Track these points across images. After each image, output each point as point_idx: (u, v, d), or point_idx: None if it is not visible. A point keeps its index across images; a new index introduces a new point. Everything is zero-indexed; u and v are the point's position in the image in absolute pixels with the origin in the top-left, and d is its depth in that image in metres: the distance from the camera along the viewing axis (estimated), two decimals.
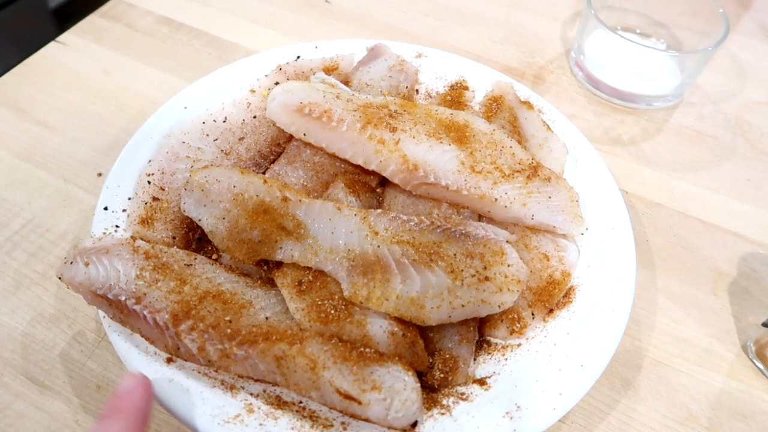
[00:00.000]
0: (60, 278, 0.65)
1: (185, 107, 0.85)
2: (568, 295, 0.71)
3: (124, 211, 0.74)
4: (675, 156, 0.96)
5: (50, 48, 1.07)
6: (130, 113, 0.97)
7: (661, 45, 1.09)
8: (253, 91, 0.87)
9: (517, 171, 0.75)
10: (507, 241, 0.69)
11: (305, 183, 0.78)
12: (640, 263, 0.81)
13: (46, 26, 2.02)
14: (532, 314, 0.69)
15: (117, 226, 0.72)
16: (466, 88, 0.92)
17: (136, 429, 0.49)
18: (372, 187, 0.80)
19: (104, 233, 0.71)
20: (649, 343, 0.74)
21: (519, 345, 0.67)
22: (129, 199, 0.75)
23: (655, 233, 0.86)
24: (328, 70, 0.90)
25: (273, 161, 0.82)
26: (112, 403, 0.51)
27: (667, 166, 0.95)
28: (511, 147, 0.77)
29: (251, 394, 0.61)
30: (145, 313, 0.62)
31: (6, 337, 0.72)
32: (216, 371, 0.63)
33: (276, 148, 0.83)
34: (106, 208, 0.73)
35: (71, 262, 0.65)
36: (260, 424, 0.58)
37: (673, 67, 1.00)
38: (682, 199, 0.90)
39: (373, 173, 0.78)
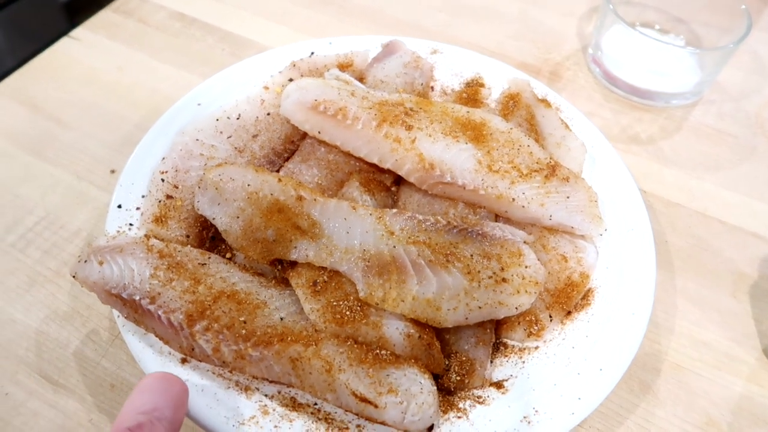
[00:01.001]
0: (74, 277, 0.64)
1: (199, 104, 0.85)
2: (586, 297, 0.70)
3: (137, 209, 0.73)
4: (694, 155, 0.95)
5: (63, 43, 1.07)
6: (143, 109, 0.97)
7: (681, 41, 1.07)
8: (266, 88, 0.86)
9: (535, 170, 0.74)
10: (524, 242, 0.68)
11: (320, 181, 0.77)
12: (659, 264, 0.79)
13: (57, 20, 2.02)
14: (550, 316, 0.68)
15: (131, 224, 0.72)
16: (482, 85, 0.91)
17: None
18: (387, 185, 0.79)
19: (118, 231, 0.71)
20: (668, 346, 0.73)
21: (536, 348, 0.67)
22: (143, 196, 0.74)
23: (674, 234, 0.84)
24: (343, 67, 0.89)
25: (287, 159, 0.81)
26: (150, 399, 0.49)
27: (686, 166, 0.93)
28: (528, 146, 0.76)
29: (266, 396, 0.61)
30: (160, 313, 0.61)
31: (20, 334, 0.72)
32: (231, 372, 0.62)
33: (290, 145, 0.82)
34: (119, 206, 0.73)
35: (85, 261, 0.65)
36: (275, 426, 0.58)
37: (693, 64, 0.98)
38: (701, 199, 0.89)
39: (388, 172, 0.77)
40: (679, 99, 1.01)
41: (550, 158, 0.75)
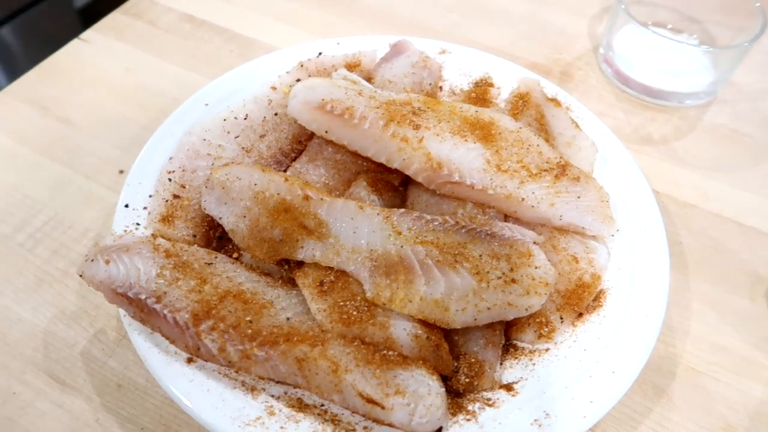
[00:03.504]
0: (81, 276, 0.64)
1: (206, 104, 0.84)
2: (598, 298, 0.68)
3: (144, 208, 0.73)
4: (708, 155, 0.93)
5: (73, 45, 1.07)
6: (151, 110, 0.97)
7: (694, 41, 1.05)
8: (274, 88, 0.85)
9: (545, 170, 0.73)
10: (534, 243, 0.67)
11: (327, 181, 0.77)
12: (674, 266, 0.78)
13: (72, 26, 2.05)
14: (561, 318, 0.67)
15: (138, 224, 0.72)
16: (491, 85, 0.90)
17: None
18: (395, 185, 0.78)
19: (125, 231, 0.71)
20: (683, 349, 0.71)
21: (547, 350, 0.65)
22: (150, 196, 0.74)
23: (689, 235, 0.82)
24: (351, 67, 0.89)
25: (294, 159, 0.80)
26: None
27: (700, 166, 0.91)
28: (538, 145, 0.75)
29: (272, 396, 0.60)
30: (166, 312, 0.61)
31: (28, 334, 0.72)
32: (236, 372, 0.61)
33: (297, 145, 0.82)
34: (127, 206, 0.73)
35: (92, 260, 0.65)
36: (281, 427, 0.57)
37: (707, 64, 0.97)
38: (716, 200, 0.87)
39: (396, 172, 0.76)
40: (693, 99, 1.00)
41: (560, 158, 0.74)
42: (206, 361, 0.61)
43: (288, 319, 0.63)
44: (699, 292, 0.77)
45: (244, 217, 0.68)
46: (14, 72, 1.90)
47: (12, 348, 0.71)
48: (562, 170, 0.73)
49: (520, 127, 0.76)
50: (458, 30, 1.13)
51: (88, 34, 1.09)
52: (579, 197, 0.72)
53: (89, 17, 2.05)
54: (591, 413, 0.58)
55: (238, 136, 0.80)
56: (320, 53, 0.91)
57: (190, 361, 0.62)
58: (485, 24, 1.14)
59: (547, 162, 0.73)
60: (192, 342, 0.61)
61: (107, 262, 0.64)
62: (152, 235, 0.70)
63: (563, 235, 0.72)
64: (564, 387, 0.61)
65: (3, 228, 0.82)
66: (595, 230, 0.72)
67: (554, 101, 0.85)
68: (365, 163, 0.77)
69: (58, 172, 0.88)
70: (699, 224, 0.84)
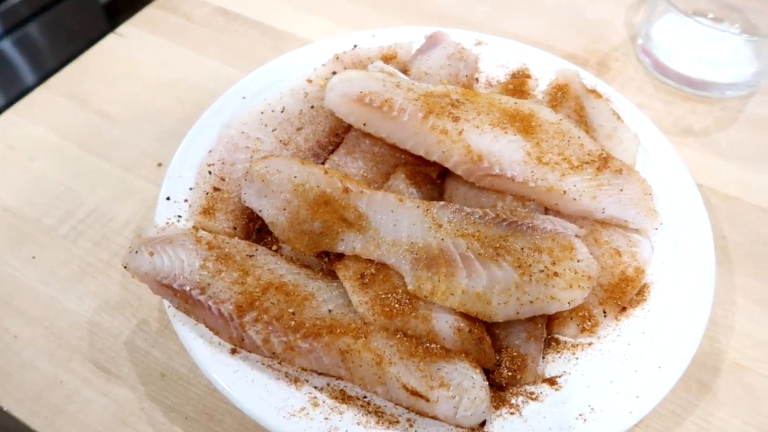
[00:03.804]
0: (126, 267, 0.65)
1: (243, 97, 0.85)
2: (641, 292, 0.68)
3: (185, 201, 0.74)
4: (751, 147, 0.91)
5: (109, 39, 1.09)
6: (187, 104, 0.98)
7: (736, 30, 1.03)
8: (310, 81, 0.85)
9: (587, 162, 0.72)
10: (576, 236, 0.66)
11: (365, 174, 0.77)
12: (717, 261, 0.76)
13: (98, 21, 2.07)
14: (604, 312, 0.66)
15: (179, 216, 0.73)
16: (529, 77, 0.89)
17: None
18: (433, 178, 0.78)
19: (167, 223, 0.72)
20: (728, 345, 0.70)
21: (590, 344, 0.65)
22: (190, 189, 0.75)
23: (732, 229, 0.81)
24: (386, 59, 0.88)
25: (331, 152, 0.80)
26: None
27: (743, 158, 0.89)
28: (579, 137, 0.74)
29: (315, 388, 0.60)
30: (210, 303, 0.62)
31: (73, 324, 0.73)
32: (280, 363, 0.62)
33: (334, 138, 0.82)
34: (168, 198, 0.74)
35: (136, 252, 0.66)
36: (325, 418, 0.57)
37: (749, 53, 0.94)
38: (759, 193, 0.85)
39: (434, 164, 0.76)
40: (735, 90, 0.98)
41: (602, 150, 0.73)
42: (250, 352, 0.62)
43: (330, 311, 0.63)
44: (743, 286, 0.75)
45: (284, 209, 0.69)
46: (42, 67, 1.94)
47: (58, 337, 0.73)
48: (604, 162, 0.72)
49: (561, 119, 0.75)
50: (492, 21, 1.12)
51: (123, 28, 1.10)
52: (622, 190, 0.71)
53: (115, 12, 2.08)
54: (637, 408, 0.58)
55: (275, 129, 0.80)
56: (355, 45, 0.91)
57: (233, 352, 0.62)
58: (520, 14, 1.13)
59: (588, 154, 0.72)
60: (236, 333, 0.61)
61: (151, 253, 0.65)
62: (194, 227, 0.71)
63: (605, 229, 0.71)
64: (609, 381, 0.60)
65: (47, 220, 0.83)
66: (639, 223, 0.71)
67: (594, 92, 0.84)
68: (403, 156, 0.77)
69: (98, 165, 0.90)
70: (742, 218, 0.82)
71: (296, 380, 0.61)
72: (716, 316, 0.72)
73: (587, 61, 1.04)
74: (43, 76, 1.03)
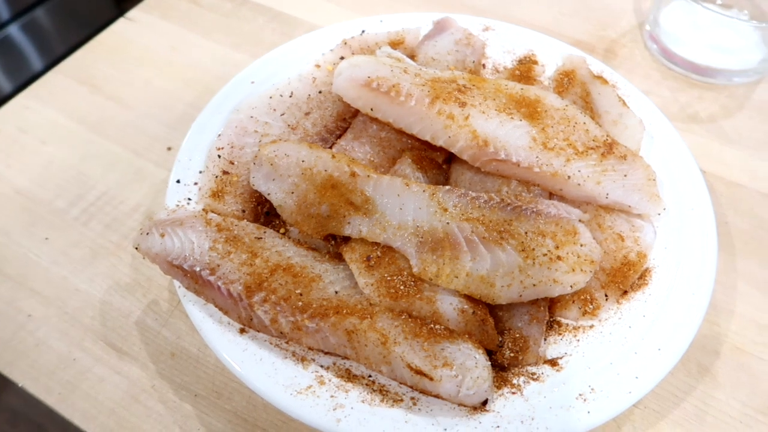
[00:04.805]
0: (137, 248, 0.67)
1: (252, 82, 0.86)
2: (643, 276, 0.68)
3: (195, 184, 0.75)
4: (757, 134, 0.91)
5: (119, 24, 1.09)
6: (196, 88, 0.99)
7: (744, 16, 1.02)
8: (318, 66, 0.86)
9: (591, 148, 0.73)
10: (580, 221, 0.67)
11: (372, 158, 0.77)
12: (720, 246, 0.76)
13: (105, 6, 2.08)
14: (606, 295, 0.67)
15: (189, 199, 0.74)
16: (536, 63, 0.89)
17: None
18: (438, 163, 0.78)
19: (177, 205, 0.73)
20: (728, 329, 0.71)
21: (591, 326, 0.66)
22: (200, 172, 0.76)
23: (736, 215, 0.81)
24: (394, 45, 0.89)
25: (339, 136, 0.81)
26: None
27: (748, 145, 0.90)
28: (584, 123, 0.74)
29: (322, 366, 0.62)
30: (219, 284, 0.63)
31: (85, 304, 0.75)
32: (287, 343, 0.63)
33: (342, 123, 0.83)
34: (178, 181, 0.75)
35: (147, 233, 0.67)
36: (331, 396, 0.59)
37: (757, 40, 0.94)
38: (764, 179, 0.85)
39: (440, 149, 0.76)
40: (742, 76, 0.97)
41: (607, 136, 0.74)
42: (258, 331, 0.63)
43: (336, 292, 0.64)
44: (745, 272, 0.76)
45: (292, 193, 0.70)
46: (50, 52, 1.95)
47: (71, 316, 0.74)
48: (608, 148, 0.72)
49: (567, 105, 0.75)
50: (500, 7, 1.12)
51: (133, 13, 1.11)
52: (626, 175, 0.71)
53: None
54: (636, 389, 0.59)
55: (283, 114, 0.81)
56: (363, 31, 0.91)
57: (242, 331, 0.64)
58: (528, 1, 1.13)
59: (593, 140, 0.73)
60: (245, 313, 0.63)
61: (162, 235, 0.67)
62: (203, 209, 0.72)
63: (609, 214, 0.72)
64: (609, 363, 0.62)
65: (59, 203, 0.85)
66: (642, 209, 0.71)
67: (601, 78, 0.84)
68: (409, 141, 0.78)
69: (109, 149, 0.91)
70: (746, 204, 0.83)
71: (303, 359, 0.62)
72: (717, 301, 0.73)
73: (594, 47, 1.04)
74: (52, 61, 1.04)
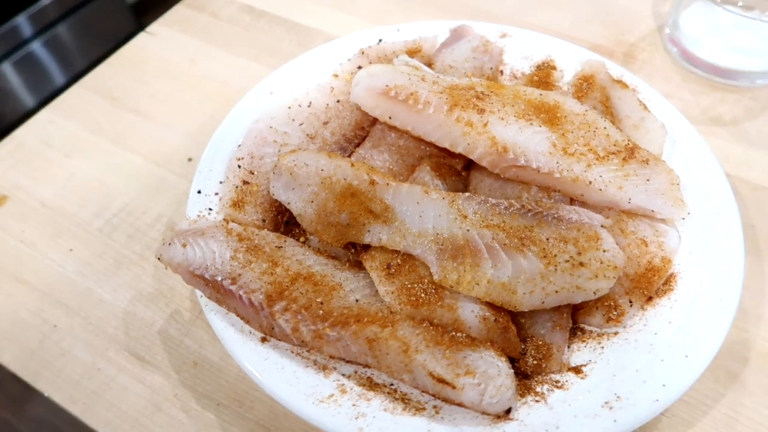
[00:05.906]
0: (159, 259, 0.67)
1: (271, 92, 0.86)
2: (668, 282, 0.67)
3: (216, 194, 0.76)
4: None
5: (140, 38, 1.11)
6: (216, 100, 1.00)
7: (766, 17, 1.01)
8: (336, 76, 0.87)
9: (613, 153, 0.72)
10: (602, 226, 0.66)
11: (390, 167, 0.77)
12: (746, 250, 0.75)
13: (126, 21, 2.12)
14: (630, 302, 0.66)
15: (210, 209, 0.74)
16: (554, 68, 0.89)
17: None
18: (457, 170, 0.78)
19: (198, 215, 0.73)
20: (756, 334, 0.70)
21: (616, 333, 0.65)
22: (220, 182, 0.77)
23: (762, 219, 0.80)
24: (411, 53, 0.89)
25: (357, 145, 0.82)
26: None
27: None
28: (605, 128, 0.74)
29: (343, 375, 0.62)
30: (241, 293, 0.63)
31: (109, 314, 0.76)
32: (308, 351, 0.63)
33: (360, 131, 0.83)
34: (199, 192, 0.76)
35: (169, 244, 0.68)
36: (353, 405, 0.59)
37: None
38: None
39: (459, 156, 0.76)
40: (765, 78, 0.96)
41: (628, 140, 0.73)
42: (279, 340, 0.63)
43: (357, 300, 0.64)
44: None
45: (312, 202, 0.70)
46: (73, 67, 1.99)
47: (95, 327, 0.75)
48: (630, 153, 0.72)
49: (587, 110, 0.75)
50: (517, 14, 1.12)
51: (153, 27, 1.13)
52: (648, 180, 0.71)
53: (141, 12, 2.13)
54: (664, 397, 0.58)
55: (302, 123, 0.82)
56: (380, 40, 0.92)
57: (263, 340, 0.64)
58: (545, 7, 1.13)
59: (614, 145, 0.72)
60: (266, 322, 0.63)
61: (184, 245, 0.67)
62: (224, 219, 0.73)
63: (632, 219, 0.71)
64: (635, 370, 0.60)
65: (83, 214, 0.86)
66: (666, 214, 0.70)
67: (621, 83, 0.83)
68: (428, 148, 0.78)
69: (131, 160, 0.92)
70: None
71: (324, 368, 0.62)
72: (745, 306, 0.72)
73: (613, 51, 1.03)
74: (74, 76, 1.06)
